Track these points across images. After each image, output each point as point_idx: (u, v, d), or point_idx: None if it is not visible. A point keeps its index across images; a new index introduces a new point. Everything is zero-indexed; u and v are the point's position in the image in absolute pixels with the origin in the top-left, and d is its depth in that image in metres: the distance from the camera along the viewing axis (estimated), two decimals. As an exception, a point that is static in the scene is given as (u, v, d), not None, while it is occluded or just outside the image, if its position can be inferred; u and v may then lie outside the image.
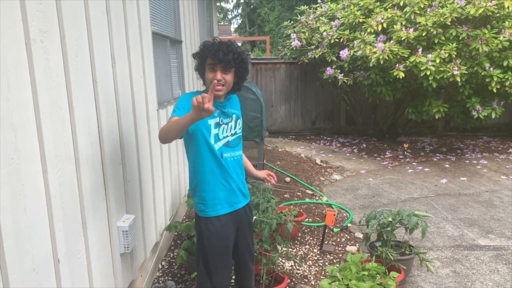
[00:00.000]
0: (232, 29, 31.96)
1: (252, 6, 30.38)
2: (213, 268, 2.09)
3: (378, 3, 6.76)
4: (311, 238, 3.83)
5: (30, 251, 1.41)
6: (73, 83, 1.75)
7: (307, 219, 4.22)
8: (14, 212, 1.33)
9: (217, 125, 2.04)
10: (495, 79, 5.62)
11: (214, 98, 1.99)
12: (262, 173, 2.43)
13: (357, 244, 3.71)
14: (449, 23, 5.69)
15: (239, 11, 33.65)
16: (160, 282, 3.04)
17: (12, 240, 1.31)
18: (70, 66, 1.73)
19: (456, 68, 5.53)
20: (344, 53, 6.59)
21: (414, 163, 6.57)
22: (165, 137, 1.91)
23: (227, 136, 2.08)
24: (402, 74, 5.74)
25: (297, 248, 3.62)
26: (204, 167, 2.04)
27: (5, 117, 1.30)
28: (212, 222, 2.05)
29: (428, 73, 5.57)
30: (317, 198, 5.00)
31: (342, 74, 6.85)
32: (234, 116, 2.12)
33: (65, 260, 1.63)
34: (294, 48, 7.83)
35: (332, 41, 6.99)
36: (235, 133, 2.13)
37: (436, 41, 5.82)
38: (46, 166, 1.52)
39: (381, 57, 5.73)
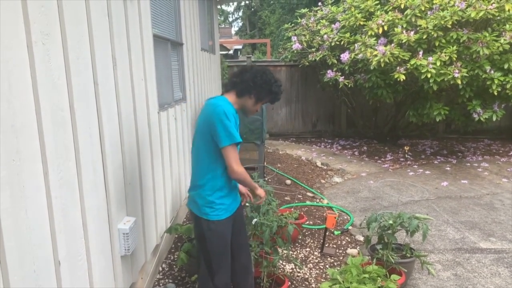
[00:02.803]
0: (233, 32, 32.00)
1: (252, 9, 30.41)
2: (216, 267, 2.17)
3: (378, 6, 6.77)
4: (311, 241, 3.82)
5: (30, 253, 1.41)
6: (74, 85, 1.76)
7: (307, 222, 4.22)
8: (15, 213, 1.33)
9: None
10: (496, 81, 5.62)
11: (238, 111, 2.22)
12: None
13: (358, 247, 3.70)
14: (449, 26, 5.70)
15: (240, 14, 33.67)
16: (161, 284, 3.04)
17: (13, 241, 1.31)
18: (71, 68, 1.73)
19: (457, 71, 5.53)
20: (345, 56, 6.60)
21: (415, 166, 6.56)
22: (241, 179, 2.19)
23: None
24: (403, 77, 5.74)
25: (298, 251, 3.61)
26: (225, 179, 2.15)
27: (7, 118, 1.30)
28: (214, 222, 2.15)
29: (429, 75, 5.57)
30: (317, 200, 5.00)
31: (343, 77, 6.85)
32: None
33: (65, 262, 1.63)
34: (295, 51, 7.84)
35: (332, 44, 7.00)
36: None
37: (436, 44, 5.82)
38: (47, 168, 1.52)
39: (382, 60, 5.73)
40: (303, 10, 8.23)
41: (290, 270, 3.25)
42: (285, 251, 3.05)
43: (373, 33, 6.26)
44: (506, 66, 5.66)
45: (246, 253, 2.39)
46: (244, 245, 2.38)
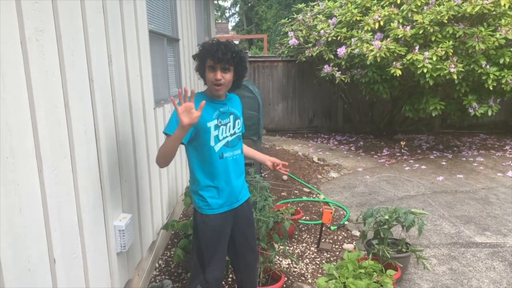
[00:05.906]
0: (230, 27, 31.88)
1: (249, 4, 30.27)
2: (207, 260, 2.14)
3: (375, 1, 6.75)
4: (308, 236, 3.84)
5: (25, 251, 1.40)
6: (69, 81, 1.75)
7: (304, 217, 4.23)
8: (9, 211, 1.32)
9: (216, 127, 2.07)
10: (491, 76, 5.64)
11: (215, 97, 2.09)
12: (268, 160, 2.45)
13: (354, 242, 3.72)
14: (445, 21, 5.70)
15: (237, 9, 33.54)
16: (157, 281, 3.04)
17: (7, 240, 1.30)
18: (66, 65, 1.72)
19: (453, 66, 5.54)
20: (342, 51, 6.59)
21: (411, 161, 6.59)
22: (163, 161, 2.01)
23: (226, 136, 2.12)
24: (399, 72, 5.75)
25: (294, 246, 3.62)
26: (205, 169, 2.10)
27: (0, 115, 1.29)
28: (208, 216, 2.12)
29: (425, 70, 5.58)
30: (314, 196, 5.01)
31: (340, 72, 6.85)
32: (232, 116, 2.15)
33: (61, 260, 1.63)
34: (292, 46, 7.81)
35: (329, 39, 6.99)
36: (234, 133, 2.16)
37: (433, 39, 5.82)
38: (41, 165, 1.51)
39: (378, 55, 5.73)
40: (299, 6, 8.20)
41: (287, 266, 3.27)
42: (281, 247, 3.06)
43: (369, 28, 6.25)
44: (501, 61, 5.67)
45: (253, 253, 2.34)
46: (251, 245, 2.31)
